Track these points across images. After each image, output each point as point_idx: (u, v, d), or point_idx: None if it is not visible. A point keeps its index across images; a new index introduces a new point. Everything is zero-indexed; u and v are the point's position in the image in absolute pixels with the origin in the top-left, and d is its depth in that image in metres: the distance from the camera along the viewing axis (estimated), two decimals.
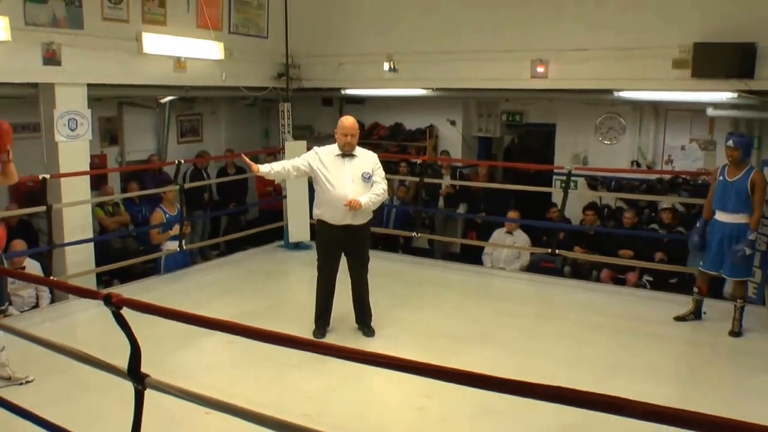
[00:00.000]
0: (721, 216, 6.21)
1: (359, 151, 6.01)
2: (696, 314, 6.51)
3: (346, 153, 5.91)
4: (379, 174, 6.05)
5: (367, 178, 5.92)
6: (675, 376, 5.43)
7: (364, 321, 6.21)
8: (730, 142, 6.19)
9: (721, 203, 6.20)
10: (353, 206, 5.74)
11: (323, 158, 5.92)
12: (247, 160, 6.12)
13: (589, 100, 9.88)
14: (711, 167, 9.44)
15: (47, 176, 7.11)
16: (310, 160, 5.95)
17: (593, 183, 9.91)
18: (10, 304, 4.92)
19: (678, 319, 6.48)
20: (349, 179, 5.85)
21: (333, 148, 5.98)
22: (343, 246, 6.03)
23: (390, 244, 10.23)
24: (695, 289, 6.54)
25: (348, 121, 5.99)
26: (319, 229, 6.11)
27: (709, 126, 9.53)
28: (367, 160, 6.03)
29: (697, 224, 6.56)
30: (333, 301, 6.21)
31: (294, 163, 6.03)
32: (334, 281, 6.17)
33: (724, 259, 6.19)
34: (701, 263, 6.50)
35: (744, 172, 6.10)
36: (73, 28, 7.54)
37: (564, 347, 5.97)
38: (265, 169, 6.05)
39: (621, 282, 8.42)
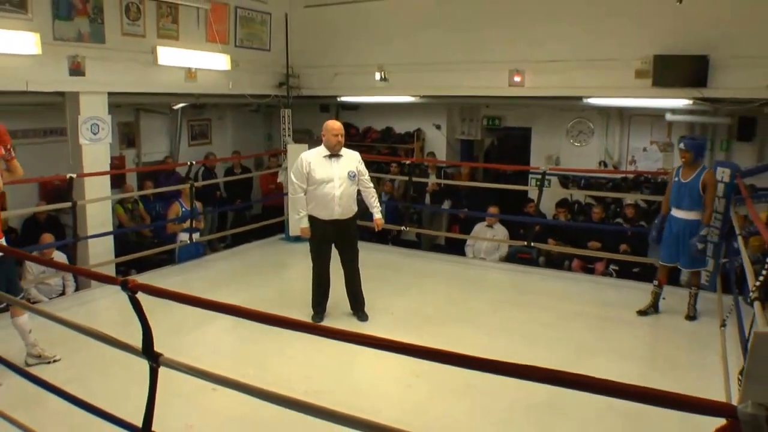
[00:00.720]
0: (676, 213, 6.15)
1: (344, 151, 6.01)
2: (655, 308, 6.40)
3: (334, 153, 5.90)
4: (366, 175, 6.11)
5: (352, 177, 5.92)
6: (638, 356, 5.45)
7: (358, 308, 6.18)
8: (682, 145, 6.17)
9: (677, 202, 6.14)
10: (380, 226, 6.25)
11: (311, 161, 5.89)
12: (303, 233, 6.03)
13: (561, 106, 9.92)
14: (669, 167, 9.51)
15: (73, 176, 7.11)
16: (301, 170, 5.90)
17: (565, 181, 9.93)
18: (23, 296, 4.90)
19: (640, 313, 6.35)
20: (336, 177, 5.86)
21: (320, 150, 5.96)
22: (333, 239, 6.03)
23: (380, 237, 10.22)
24: (655, 282, 6.43)
25: (337, 123, 6.05)
26: (311, 225, 5.99)
27: (668, 130, 9.60)
28: (352, 159, 6.02)
29: (656, 221, 6.50)
30: (329, 289, 6.20)
31: (301, 186, 5.90)
32: (328, 271, 6.14)
33: (680, 252, 6.16)
34: (660, 257, 6.43)
35: (696, 173, 6.02)
36: (96, 42, 7.55)
37: (539, 330, 5.99)
38: (305, 223, 5.96)
39: (590, 271, 8.44)
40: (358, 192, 6.16)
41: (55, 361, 4.97)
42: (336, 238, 6.03)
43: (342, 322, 5.89)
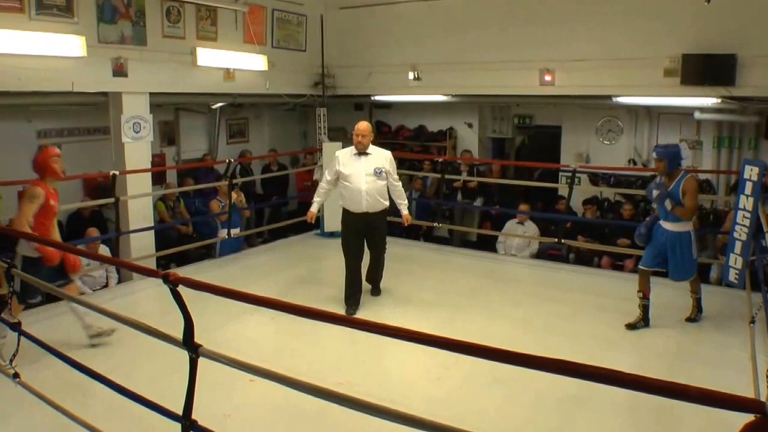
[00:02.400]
0: (664, 224, 5.74)
1: (373, 149, 6.27)
2: (645, 321, 5.84)
3: (360, 152, 6.18)
4: (395, 174, 6.37)
5: (378, 173, 6.16)
6: (664, 351, 5.38)
7: (374, 284, 6.64)
8: (654, 154, 5.81)
9: (662, 213, 5.73)
10: (409, 221, 6.62)
11: (342, 158, 6.24)
12: (308, 217, 6.48)
13: (590, 105, 9.81)
14: (698, 165, 9.37)
15: (116, 172, 7.22)
16: (334, 165, 6.29)
17: (595, 179, 9.82)
18: (42, 298, 5.07)
19: (629, 327, 5.78)
20: (363, 174, 6.12)
21: (351, 149, 6.27)
22: (363, 231, 6.28)
23: (412, 233, 10.23)
24: (639, 294, 5.86)
25: (361, 125, 6.32)
26: (343, 217, 6.31)
27: (696, 128, 9.43)
28: (380, 157, 6.27)
29: (647, 219, 6.16)
30: (361, 283, 6.38)
31: (327, 179, 6.37)
32: (359, 265, 6.34)
33: (669, 266, 5.80)
34: (642, 260, 5.98)
35: (676, 180, 5.60)
36: (138, 44, 7.65)
37: (568, 325, 5.95)
38: (314, 208, 6.41)
39: (619, 268, 8.32)
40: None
41: (113, 331, 5.10)
42: (365, 231, 6.28)
43: (371, 313, 5.90)
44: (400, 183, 6.47)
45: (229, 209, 8.44)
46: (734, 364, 4.95)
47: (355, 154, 6.20)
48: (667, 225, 5.71)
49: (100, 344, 5.14)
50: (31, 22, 6.53)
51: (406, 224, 6.68)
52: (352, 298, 6.26)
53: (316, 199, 6.43)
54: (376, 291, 6.68)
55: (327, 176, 6.38)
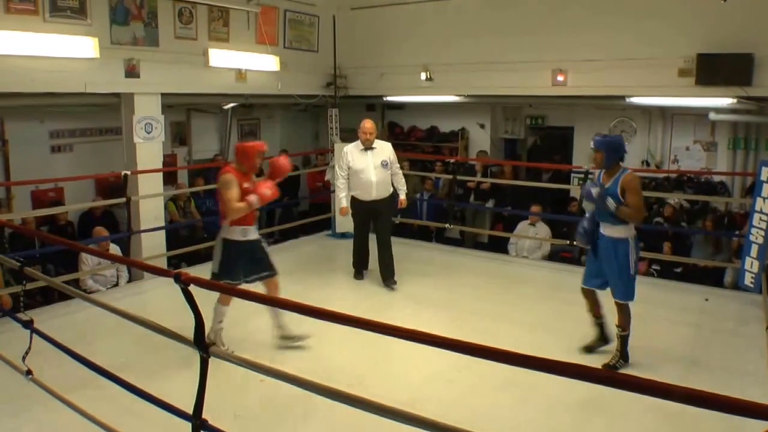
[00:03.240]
0: (602, 229, 5.00)
1: (378, 143, 7.00)
2: (603, 339, 5.30)
3: (367, 147, 6.92)
4: (397, 163, 7.14)
5: (385, 165, 6.94)
6: (679, 356, 5.31)
7: (388, 275, 7.04)
8: (592, 143, 4.98)
9: (599, 215, 4.95)
10: (404, 204, 7.21)
11: (351, 153, 6.98)
12: (342, 212, 7.21)
13: (603, 105, 9.76)
14: (712, 166, 9.30)
15: (128, 173, 7.26)
16: (344, 160, 7.00)
17: None
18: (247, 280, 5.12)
19: (586, 350, 5.30)
20: (372, 167, 6.88)
21: (357, 144, 7.00)
22: (371, 215, 7.06)
23: (424, 234, 10.23)
24: (589, 314, 5.34)
25: (367, 123, 7.03)
26: (353, 204, 7.07)
27: (711, 129, 9.36)
28: (385, 150, 7.02)
29: (587, 214, 5.20)
30: (368, 255, 7.36)
31: (342, 174, 7.04)
32: (366, 240, 7.26)
33: (609, 279, 5.05)
34: (583, 280, 5.27)
35: (614, 177, 4.84)
36: (150, 45, 7.67)
37: (580, 328, 5.89)
38: (345, 202, 7.09)
39: None
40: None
41: (305, 337, 5.24)
42: (374, 214, 7.04)
43: (380, 313, 5.88)
44: (401, 171, 7.24)
45: None
46: (751, 370, 4.89)
47: (362, 150, 6.93)
48: (603, 229, 4.99)
49: (287, 347, 5.21)
50: (44, 24, 6.56)
51: (401, 207, 7.27)
52: (360, 265, 7.37)
53: (342, 194, 7.05)
54: (391, 283, 7.00)
55: (341, 171, 7.03)
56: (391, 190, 7.08)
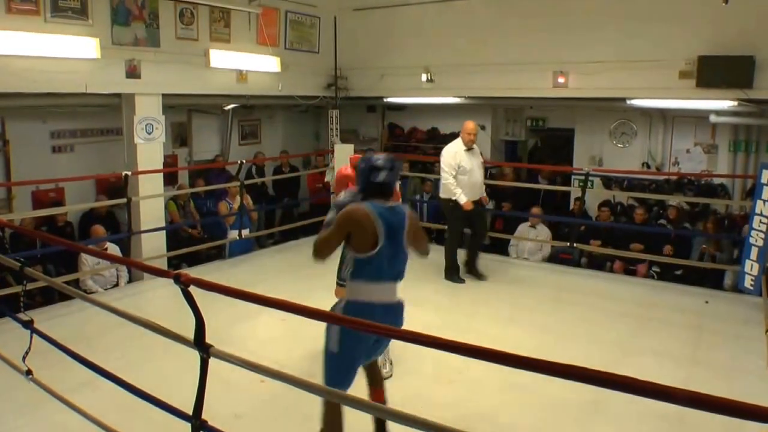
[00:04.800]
0: None
1: (473, 145, 7.30)
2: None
3: (469, 147, 7.19)
4: None
5: (482, 165, 7.45)
6: (680, 359, 5.31)
7: (474, 265, 7.58)
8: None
9: None
10: (487, 202, 7.71)
11: (459, 154, 7.17)
12: (468, 206, 7.20)
13: (604, 107, 9.75)
14: (713, 169, 9.30)
15: (128, 173, 7.26)
16: (453, 161, 7.17)
17: (608, 182, 9.76)
18: None
19: None
20: (477, 167, 7.28)
21: (459, 145, 7.24)
22: (471, 216, 7.35)
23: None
24: None
25: (470, 124, 7.32)
26: (457, 208, 7.20)
27: (712, 131, 9.36)
28: (478, 151, 7.46)
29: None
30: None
31: (452, 174, 7.16)
32: (461, 243, 7.59)
33: None
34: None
35: None
36: (152, 46, 7.67)
37: (581, 329, 5.91)
38: (464, 197, 7.16)
39: (632, 273, 8.27)
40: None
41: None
42: (474, 215, 7.34)
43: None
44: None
45: (240, 211, 8.45)
46: (751, 372, 4.90)
47: (465, 150, 7.16)
48: None
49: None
50: (46, 24, 6.56)
51: (485, 204, 7.68)
52: (457, 268, 7.50)
53: (458, 191, 7.13)
54: (476, 272, 7.55)
55: (450, 171, 7.14)
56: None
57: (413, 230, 3.60)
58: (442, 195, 7.41)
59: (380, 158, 3.63)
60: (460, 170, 7.11)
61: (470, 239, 7.74)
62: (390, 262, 3.50)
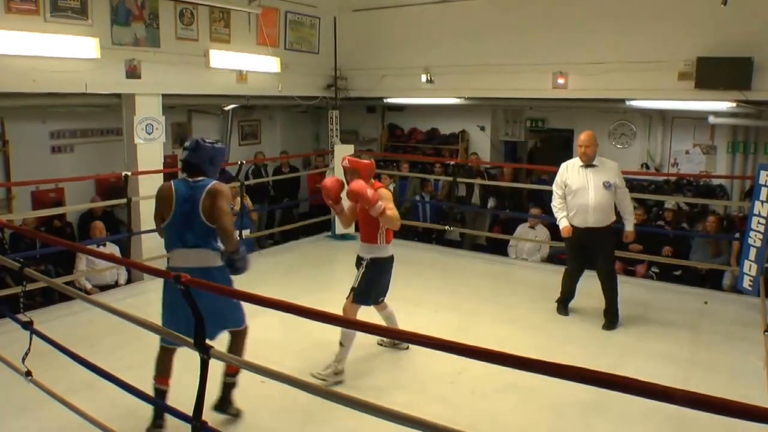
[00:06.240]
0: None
1: (600, 161, 5.99)
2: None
3: (588, 164, 5.92)
4: (623, 187, 6.04)
5: (608, 187, 5.85)
6: (679, 359, 5.32)
7: (609, 318, 6.01)
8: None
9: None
10: (629, 239, 6.12)
11: (569, 170, 6.02)
12: (565, 232, 6.05)
13: (603, 108, 9.77)
14: (712, 170, 9.31)
15: (128, 173, 7.26)
16: (560, 177, 6.06)
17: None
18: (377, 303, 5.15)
19: None
20: (591, 187, 5.85)
21: (576, 160, 6.02)
22: (587, 245, 6.00)
23: (425, 237, 10.25)
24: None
25: (582, 135, 5.99)
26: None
27: (711, 132, 9.38)
28: (609, 170, 5.96)
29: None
30: (574, 290, 6.31)
31: (559, 194, 6.05)
32: (576, 273, 6.25)
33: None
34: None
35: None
36: (152, 46, 7.67)
37: (580, 330, 5.91)
38: (565, 221, 6.00)
39: (631, 273, 8.27)
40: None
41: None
42: (589, 245, 5.99)
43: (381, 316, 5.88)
44: (628, 198, 6.13)
45: (241, 211, 8.45)
46: (750, 373, 4.90)
47: (581, 167, 5.94)
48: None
49: (392, 348, 5.32)
50: (45, 24, 6.56)
51: (625, 241, 6.21)
52: (566, 300, 6.34)
53: (562, 214, 6.02)
54: (609, 324, 5.98)
55: (557, 190, 6.06)
56: (613, 219, 6.01)
57: (209, 206, 3.76)
58: None
59: (189, 141, 3.98)
60: (567, 189, 5.99)
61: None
62: (180, 231, 3.81)
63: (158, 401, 3.52)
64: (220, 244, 3.90)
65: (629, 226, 6.05)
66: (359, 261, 4.93)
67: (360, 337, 5.11)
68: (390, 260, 4.93)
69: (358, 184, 4.58)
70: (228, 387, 4.03)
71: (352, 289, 4.85)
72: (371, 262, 4.82)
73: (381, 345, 5.36)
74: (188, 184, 3.84)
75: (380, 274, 4.87)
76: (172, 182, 3.92)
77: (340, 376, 4.68)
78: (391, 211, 4.65)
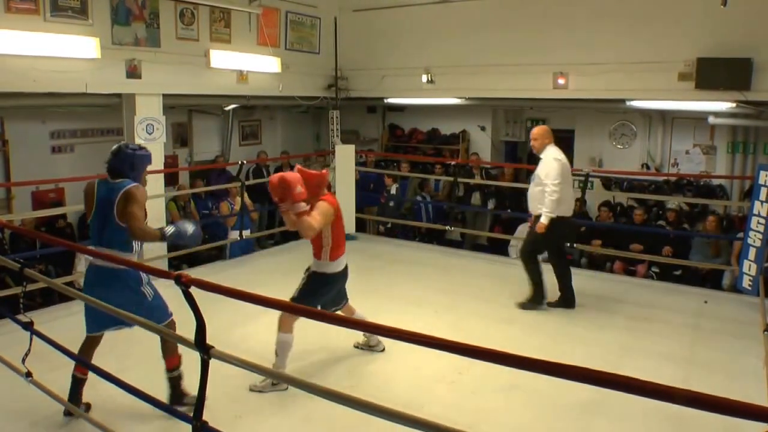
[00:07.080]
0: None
1: (545, 154, 6.16)
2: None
3: (537, 156, 6.22)
4: (546, 180, 6.03)
5: (533, 178, 6.20)
6: (679, 358, 5.31)
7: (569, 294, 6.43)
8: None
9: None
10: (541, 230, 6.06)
11: (564, 160, 6.14)
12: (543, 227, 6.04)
13: (604, 109, 9.78)
14: (712, 170, 9.32)
15: None
16: (562, 169, 6.07)
17: (608, 183, 9.78)
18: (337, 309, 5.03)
19: None
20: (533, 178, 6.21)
21: (558, 151, 6.17)
22: (566, 233, 6.43)
23: (425, 237, 10.25)
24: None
25: (534, 128, 6.39)
26: (558, 223, 6.08)
27: (711, 133, 9.39)
28: (543, 163, 6.14)
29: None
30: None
31: (561, 185, 6.02)
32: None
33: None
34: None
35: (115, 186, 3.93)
36: (152, 46, 7.69)
37: (580, 329, 5.90)
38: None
39: (632, 273, 8.27)
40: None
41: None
42: (568, 233, 6.41)
43: (380, 315, 5.88)
44: (549, 190, 6.04)
45: (241, 211, 8.45)
46: (749, 372, 4.89)
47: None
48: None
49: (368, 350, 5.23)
50: (45, 24, 6.57)
51: (537, 230, 6.14)
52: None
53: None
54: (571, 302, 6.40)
55: (561, 181, 5.99)
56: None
57: (121, 206, 3.84)
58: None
59: (115, 145, 4.14)
60: (566, 180, 6.13)
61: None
62: (98, 230, 3.95)
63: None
64: (135, 245, 4.02)
65: (543, 218, 6.04)
66: (306, 271, 4.86)
67: (356, 337, 5.13)
68: (334, 276, 4.74)
69: (292, 174, 4.48)
70: (174, 381, 4.07)
71: (292, 298, 4.73)
72: (313, 274, 4.73)
73: (357, 347, 5.27)
74: (108, 185, 3.98)
75: (322, 287, 4.72)
76: (96, 181, 4.09)
77: (279, 386, 4.44)
78: (313, 220, 4.37)
